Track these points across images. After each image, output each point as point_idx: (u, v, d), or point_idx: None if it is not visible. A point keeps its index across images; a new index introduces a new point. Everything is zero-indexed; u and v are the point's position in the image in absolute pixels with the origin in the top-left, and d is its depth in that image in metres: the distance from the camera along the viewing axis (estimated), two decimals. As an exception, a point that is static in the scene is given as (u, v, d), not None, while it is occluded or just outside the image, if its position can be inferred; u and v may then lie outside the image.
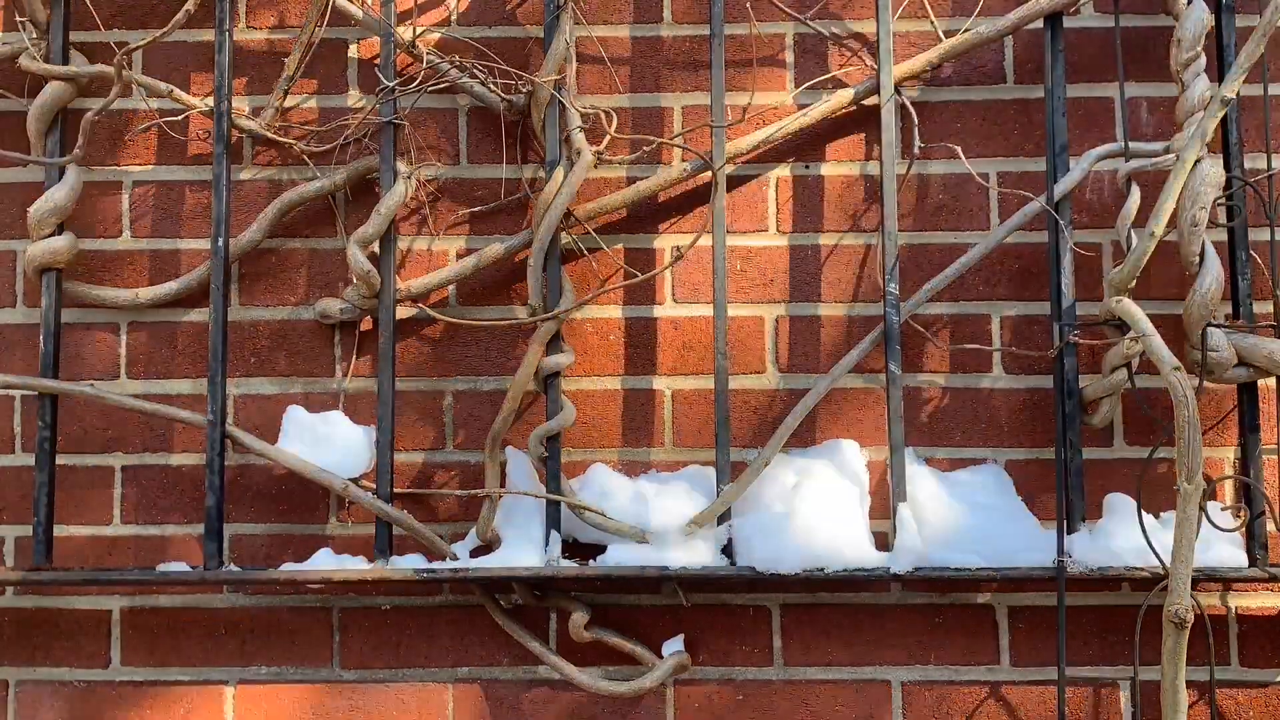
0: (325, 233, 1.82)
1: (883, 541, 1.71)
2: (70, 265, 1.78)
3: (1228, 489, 1.71)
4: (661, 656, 1.71)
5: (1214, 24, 1.70)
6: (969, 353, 1.77)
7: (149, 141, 1.83)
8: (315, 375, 1.80)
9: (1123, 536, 1.66)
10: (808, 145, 1.80)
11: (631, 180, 1.78)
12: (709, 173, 1.71)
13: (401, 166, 1.74)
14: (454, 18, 1.84)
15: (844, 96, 1.76)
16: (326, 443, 1.73)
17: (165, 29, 1.64)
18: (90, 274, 1.82)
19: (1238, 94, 1.62)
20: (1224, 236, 1.70)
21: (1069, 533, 1.66)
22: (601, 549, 1.70)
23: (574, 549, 1.72)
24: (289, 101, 1.81)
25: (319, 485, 1.72)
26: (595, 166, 1.71)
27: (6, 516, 1.80)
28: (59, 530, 1.76)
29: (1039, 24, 1.73)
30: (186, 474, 1.79)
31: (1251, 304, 1.69)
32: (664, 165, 1.79)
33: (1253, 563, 1.65)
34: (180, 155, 1.84)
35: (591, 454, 1.78)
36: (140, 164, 1.84)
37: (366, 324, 1.80)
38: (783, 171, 1.81)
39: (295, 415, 1.76)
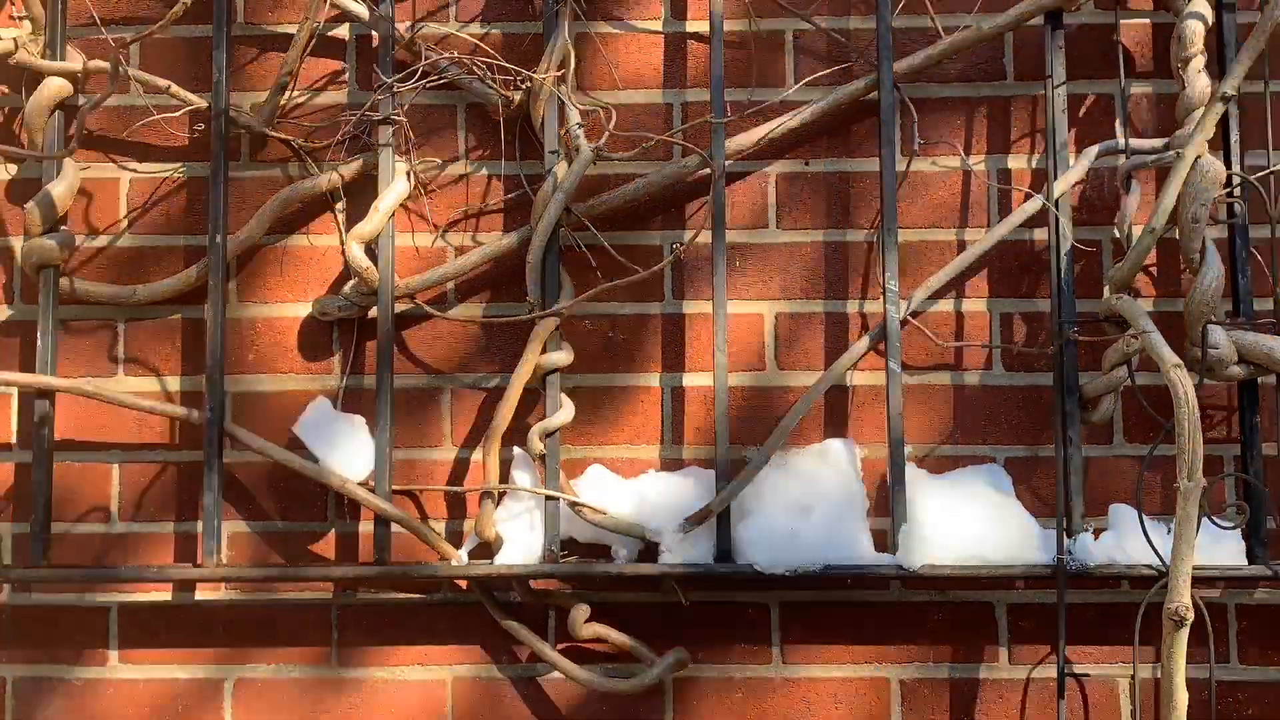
0: (323, 229, 1.82)
1: (882, 540, 1.70)
2: (67, 262, 1.77)
3: (1228, 487, 1.70)
4: (660, 654, 1.71)
5: (1214, 21, 1.70)
6: (969, 350, 1.77)
7: (147, 138, 1.83)
8: (314, 372, 1.80)
9: (1122, 534, 1.66)
10: (807, 141, 1.80)
11: (631, 177, 1.77)
12: (709, 169, 1.71)
13: (400, 163, 1.73)
14: (454, 13, 1.83)
15: (844, 92, 1.76)
16: (325, 440, 1.73)
17: (161, 23, 1.64)
18: (88, 271, 1.82)
19: (1238, 91, 1.62)
20: (1224, 233, 1.70)
21: (1069, 531, 1.65)
22: (601, 547, 1.70)
23: (574, 547, 1.72)
24: (287, 98, 1.80)
25: (317, 483, 1.72)
26: (595, 163, 1.70)
27: (4, 514, 1.80)
28: (56, 528, 1.76)
29: (1039, 20, 1.73)
30: (184, 471, 1.79)
31: (1252, 301, 1.69)
32: (663, 162, 1.78)
33: (1253, 560, 1.65)
34: (178, 152, 1.83)
35: (591, 452, 1.77)
36: (138, 160, 1.83)
37: (365, 321, 1.79)
38: (783, 168, 1.80)
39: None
